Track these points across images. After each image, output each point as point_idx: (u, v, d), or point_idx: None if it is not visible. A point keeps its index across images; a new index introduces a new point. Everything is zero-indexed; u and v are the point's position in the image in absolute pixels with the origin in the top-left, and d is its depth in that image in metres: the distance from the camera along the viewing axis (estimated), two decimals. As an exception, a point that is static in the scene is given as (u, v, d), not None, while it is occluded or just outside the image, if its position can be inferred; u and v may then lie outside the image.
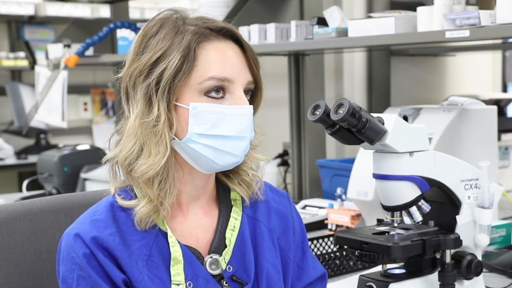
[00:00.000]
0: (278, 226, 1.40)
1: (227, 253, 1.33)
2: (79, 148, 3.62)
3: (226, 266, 1.32)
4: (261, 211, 1.39)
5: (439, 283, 1.55)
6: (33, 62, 5.44)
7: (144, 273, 1.25)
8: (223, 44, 1.29)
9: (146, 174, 1.25)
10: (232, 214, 1.37)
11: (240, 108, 1.28)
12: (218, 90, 1.27)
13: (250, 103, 1.32)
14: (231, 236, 1.34)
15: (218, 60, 1.27)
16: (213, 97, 1.27)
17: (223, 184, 1.39)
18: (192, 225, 1.34)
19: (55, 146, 4.84)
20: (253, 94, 1.34)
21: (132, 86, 1.29)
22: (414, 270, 1.60)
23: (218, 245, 1.34)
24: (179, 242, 1.29)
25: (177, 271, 1.28)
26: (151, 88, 1.25)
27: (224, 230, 1.35)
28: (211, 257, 1.32)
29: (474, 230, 1.61)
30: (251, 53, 1.32)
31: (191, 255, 1.30)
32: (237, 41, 1.31)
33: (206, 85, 1.26)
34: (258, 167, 1.40)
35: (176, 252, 1.28)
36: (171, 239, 1.29)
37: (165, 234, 1.29)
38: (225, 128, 1.27)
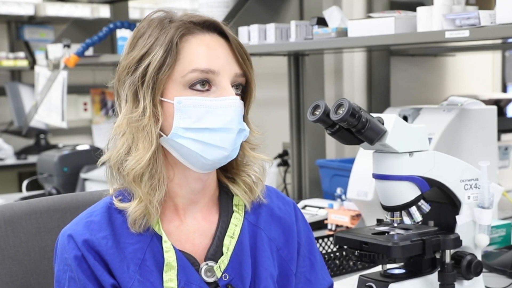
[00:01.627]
0: (279, 236, 1.37)
1: (223, 261, 1.30)
2: (79, 148, 3.62)
3: (222, 274, 1.30)
4: (263, 218, 1.37)
5: (439, 283, 1.55)
6: (33, 62, 5.43)
7: (136, 278, 1.24)
8: (207, 36, 1.28)
9: (133, 170, 1.24)
10: (232, 220, 1.34)
11: (225, 99, 1.25)
12: (203, 83, 1.25)
13: (242, 98, 1.30)
14: (229, 243, 1.32)
15: (202, 52, 1.26)
16: (198, 90, 1.25)
17: (225, 188, 1.37)
18: (189, 229, 1.32)
19: (55, 146, 4.84)
20: (244, 87, 1.32)
21: (121, 85, 1.29)
22: (414, 270, 1.60)
23: (215, 252, 1.31)
24: (174, 248, 1.28)
25: (170, 277, 1.26)
26: (137, 84, 1.25)
27: (222, 236, 1.32)
28: (207, 264, 1.30)
29: (474, 230, 1.61)
30: (237, 45, 1.29)
31: (186, 261, 1.28)
32: (223, 34, 1.29)
33: (189, 78, 1.25)
34: (264, 170, 1.37)
35: (170, 257, 1.26)
36: (166, 244, 1.27)
37: (160, 238, 1.28)
38: (211, 121, 1.25)
